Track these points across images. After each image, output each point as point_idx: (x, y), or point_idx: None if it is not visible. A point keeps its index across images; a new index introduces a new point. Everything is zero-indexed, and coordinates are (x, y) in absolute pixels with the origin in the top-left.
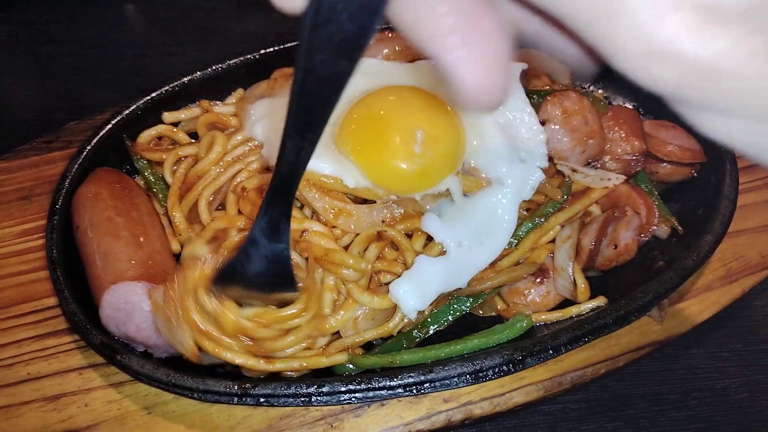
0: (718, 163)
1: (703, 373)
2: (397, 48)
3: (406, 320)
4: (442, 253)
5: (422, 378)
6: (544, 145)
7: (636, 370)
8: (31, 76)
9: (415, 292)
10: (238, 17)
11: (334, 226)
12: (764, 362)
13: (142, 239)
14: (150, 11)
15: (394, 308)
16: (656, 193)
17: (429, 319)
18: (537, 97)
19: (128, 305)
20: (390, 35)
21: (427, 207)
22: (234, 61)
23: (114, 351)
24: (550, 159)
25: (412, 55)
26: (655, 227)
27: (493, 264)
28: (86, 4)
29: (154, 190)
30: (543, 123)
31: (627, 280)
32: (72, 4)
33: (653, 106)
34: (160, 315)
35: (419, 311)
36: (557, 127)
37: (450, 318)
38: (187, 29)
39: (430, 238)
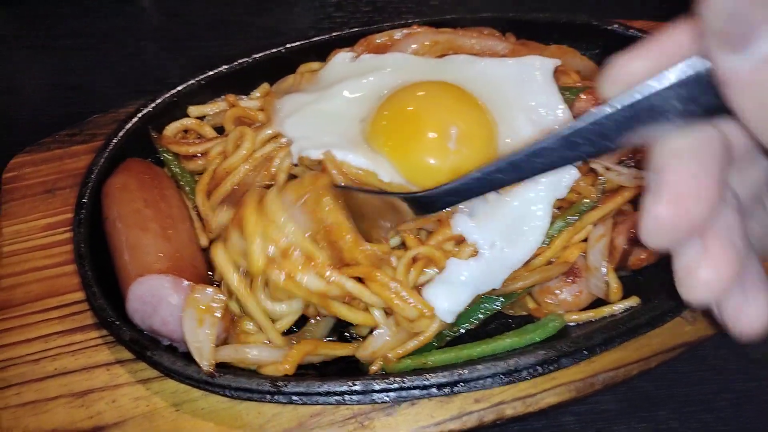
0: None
1: (732, 375)
2: (426, 43)
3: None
4: (474, 253)
5: (455, 378)
6: None
7: (666, 371)
8: (49, 70)
9: (449, 295)
10: (256, 12)
11: None
12: None
13: (170, 232)
14: (166, 5)
15: None
16: None
17: (459, 318)
18: (569, 94)
19: (155, 298)
20: (419, 30)
21: (460, 206)
22: (259, 55)
23: (144, 347)
24: None
25: (442, 50)
26: None
27: (525, 263)
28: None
29: (181, 183)
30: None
31: (659, 279)
32: None
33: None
34: (192, 313)
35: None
36: None
37: (480, 317)
38: (204, 24)
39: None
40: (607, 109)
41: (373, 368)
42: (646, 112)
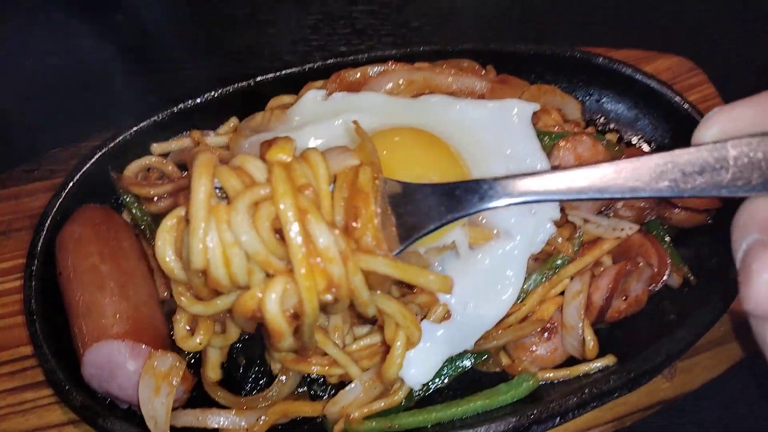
0: (732, 209)
1: (714, 428)
2: (400, 82)
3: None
4: (446, 314)
5: None
6: None
7: (643, 427)
8: (12, 93)
9: (419, 362)
10: (231, 33)
11: None
12: None
13: (128, 289)
14: (141, 24)
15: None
16: (668, 239)
17: None
18: (548, 139)
19: (111, 364)
20: (394, 67)
21: (433, 262)
22: (228, 88)
23: (95, 413)
24: (561, 209)
25: (417, 89)
26: (667, 277)
27: (499, 321)
28: (69, 16)
29: (141, 226)
30: (555, 169)
31: (637, 334)
32: (55, 18)
33: (666, 143)
34: (148, 381)
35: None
36: None
37: (452, 375)
38: (179, 44)
39: None
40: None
41: (337, 428)
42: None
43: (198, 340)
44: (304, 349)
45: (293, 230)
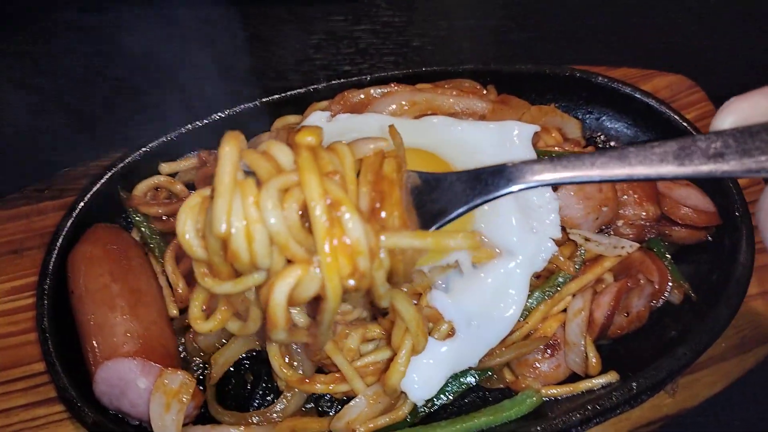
0: (733, 226)
1: None
2: (403, 103)
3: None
4: (451, 331)
5: None
6: (557, 215)
7: None
8: (24, 112)
9: (423, 379)
10: (236, 54)
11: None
12: None
13: (138, 308)
14: (149, 45)
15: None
16: (669, 256)
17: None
18: None
19: (122, 382)
20: (396, 88)
21: (437, 280)
22: (234, 109)
23: (106, 430)
24: (562, 227)
25: (420, 110)
26: (668, 293)
27: (503, 339)
28: (83, 33)
29: (151, 245)
30: (555, 189)
31: (638, 350)
32: (68, 34)
33: None
34: (159, 398)
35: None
36: (570, 194)
37: (457, 391)
38: (182, 65)
39: None
40: (723, 132)
41: None
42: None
43: (213, 323)
44: (316, 344)
45: (318, 210)
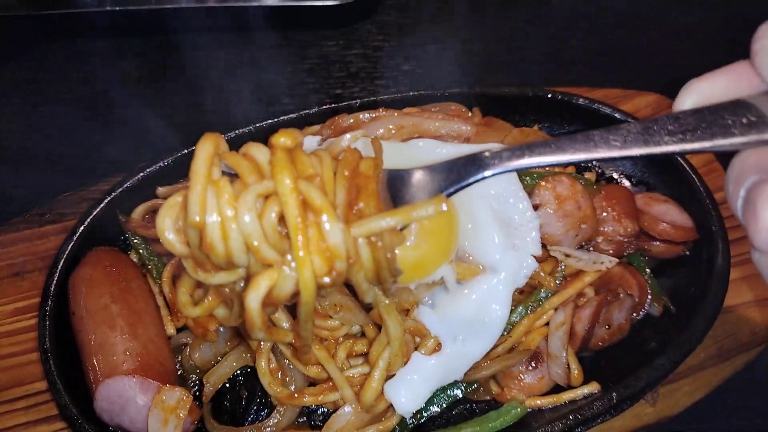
0: (710, 240)
1: None
2: (391, 127)
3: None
4: (437, 346)
5: None
6: (537, 232)
7: None
8: (25, 138)
9: (409, 392)
10: (229, 77)
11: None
12: None
13: (137, 328)
14: (146, 70)
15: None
16: (648, 271)
17: (423, 405)
18: (530, 180)
19: (122, 399)
20: (384, 113)
21: (423, 297)
22: (230, 134)
23: None
24: (543, 244)
25: (407, 134)
26: (648, 306)
27: (487, 352)
28: (83, 61)
29: (149, 266)
30: (536, 207)
31: (619, 361)
32: (67, 61)
33: (645, 177)
34: (157, 414)
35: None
36: (550, 212)
37: (444, 404)
38: (178, 89)
39: None
40: (687, 111)
41: None
42: (720, 122)
43: (201, 309)
44: (301, 342)
45: (291, 207)
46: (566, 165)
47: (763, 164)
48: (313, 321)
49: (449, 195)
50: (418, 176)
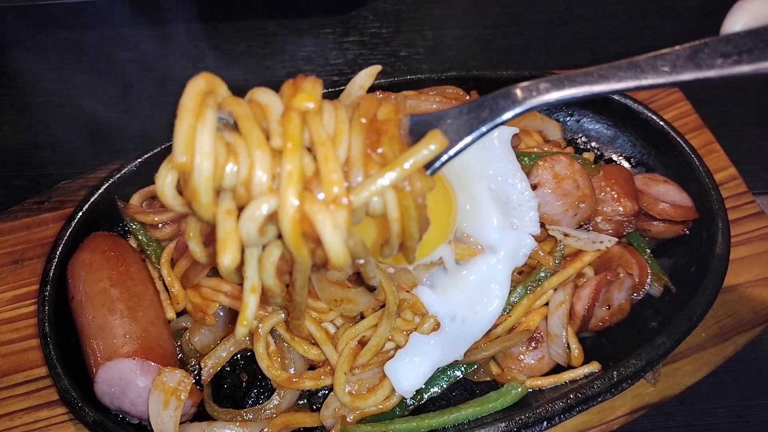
0: (710, 219)
1: (697, 431)
2: None
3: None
4: (436, 326)
5: None
6: (536, 212)
7: (631, 430)
8: (23, 130)
9: (409, 371)
10: (226, 66)
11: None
12: (760, 418)
13: (136, 311)
14: (143, 62)
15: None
16: (648, 251)
17: (423, 386)
18: (528, 160)
19: (123, 381)
20: (381, 96)
21: (422, 278)
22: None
23: (106, 429)
24: (542, 224)
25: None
26: (648, 286)
27: (486, 333)
28: (78, 52)
29: (147, 252)
30: (534, 187)
31: (620, 341)
32: (61, 54)
33: (644, 159)
34: (158, 396)
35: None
36: (548, 191)
37: (444, 385)
38: (175, 79)
39: None
40: (740, 33)
41: (334, 431)
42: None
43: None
44: (295, 309)
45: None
46: (612, 93)
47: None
48: (306, 285)
49: (482, 135)
50: (447, 118)
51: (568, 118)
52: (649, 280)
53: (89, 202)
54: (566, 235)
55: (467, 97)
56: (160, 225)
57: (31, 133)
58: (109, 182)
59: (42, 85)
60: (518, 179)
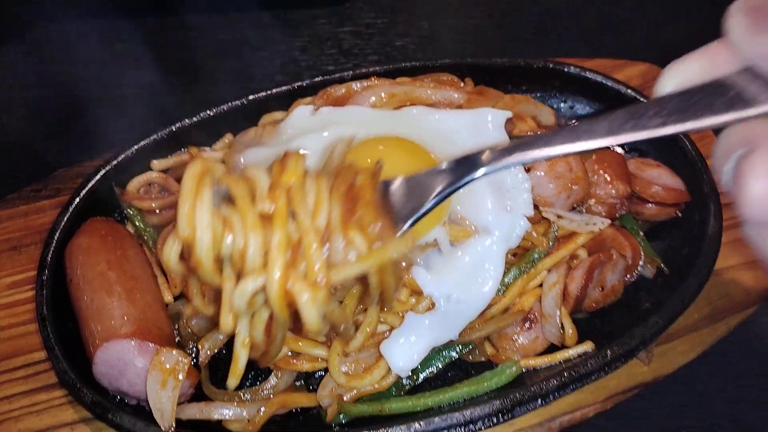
0: (702, 202)
1: (690, 411)
2: (383, 95)
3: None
4: (431, 305)
5: (413, 431)
6: (529, 194)
7: (624, 410)
8: (20, 119)
9: (404, 351)
10: (223, 57)
11: None
12: (751, 398)
13: (134, 293)
14: (137, 51)
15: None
16: (641, 233)
17: (418, 366)
18: None
19: (121, 362)
20: (376, 82)
21: (417, 259)
22: (222, 107)
23: (105, 409)
24: (535, 206)
25: (399, 101)
26: (641, 268)
27: (482, 312)
28: (74, 43)
29: (144, 237)
30: (528, 170)
31: (614, 322)
32: (60, 45)
33: (637, 144)
34: (156, 376)
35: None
36: (542, 174)
37: (440, 364)
38: (173, 69)
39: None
40: (670, 94)
41: (331, 411)
42: (701, 102)
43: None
44: (265, 359)
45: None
46: (554, 157)
47: (748, 137)
48: (284, 342)
49: (446, 196)
50: (416, 181)
51: (561, 104)
52: (642, 261)
53: (86, 188)
54: (560, 217)
55: (461, 84)
56: (157, 211)
57: (27, 123)
58: (107, 168)
59: (39, 74)
60: None
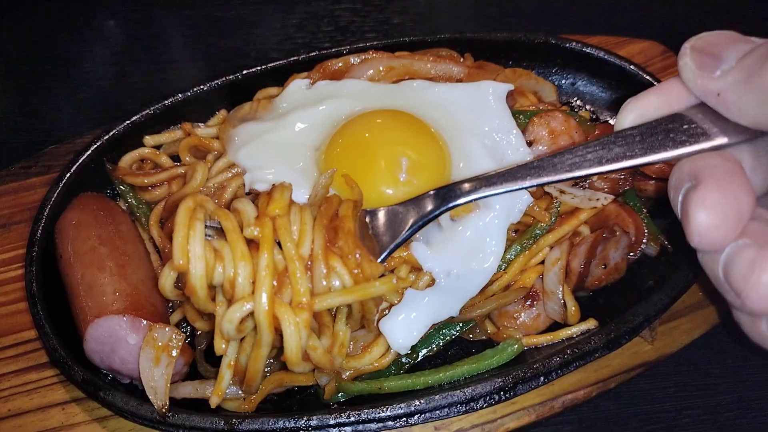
0: None
1: (694, 391)
2: (381, 68)
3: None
4: (431, 281)
5: (412, 409)
6: None
7: (628, 389)
8: (11, 96)
9: (404, 327)
10: (218, 34)
11: None
12: (755, 378)
13: (126, 269)
14: (130, 28)
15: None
16: (645, 210)
17: (418, 344)
18: (523, 118)
19: (113, 339)
20: (374, 55)
21: (417, 235)
22: (216, 81)
23: (97, 387)
24: None
25: (397, 75)
26: (645, 245)
27: (483, 289)
28: (65, 20)
29: (137, 214)
30: (530, 144)
31: (617, 300)
32: (51, 21)
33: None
34: (149, 353)
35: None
36: (544, 147)
37: (440, 343)
38: (167, 46)
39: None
40: (628, 130)
41: (329, 388)
42: (657, 138)
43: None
44: (250, 380)
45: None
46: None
47: (693, 171)
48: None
49: (421, 226)
50: (393, 213)
51: (563, 81)
52: (645, 239)
53: (77, 163)
54: (562, 192)
55: (461, 59)
56: (150, 187)
57: (17, 100)
58: (98, 143)
59: (30, 53)
60: (513, 135)
